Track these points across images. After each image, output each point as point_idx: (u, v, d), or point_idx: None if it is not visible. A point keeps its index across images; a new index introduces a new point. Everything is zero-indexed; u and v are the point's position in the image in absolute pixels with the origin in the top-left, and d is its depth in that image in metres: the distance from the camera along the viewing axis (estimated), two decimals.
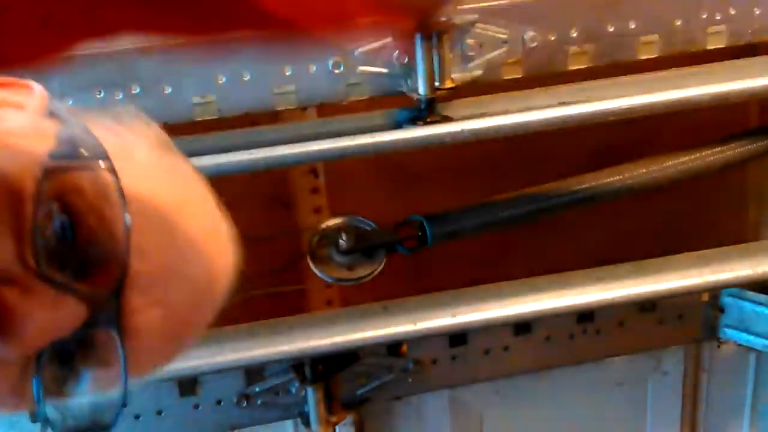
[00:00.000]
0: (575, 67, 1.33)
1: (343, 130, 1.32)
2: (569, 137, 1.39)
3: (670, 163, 1.45)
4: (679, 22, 1.34)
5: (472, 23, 1.28)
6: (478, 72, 1.30)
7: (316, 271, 1.34)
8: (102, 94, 1.20)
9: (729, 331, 1.55)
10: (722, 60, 1.41)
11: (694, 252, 1.45)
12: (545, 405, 1.64)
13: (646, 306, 1.51)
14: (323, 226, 1.36)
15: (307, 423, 1.41)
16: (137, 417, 1.37)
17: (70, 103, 1.20)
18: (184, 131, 1.27)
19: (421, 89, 1.26)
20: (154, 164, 0.55)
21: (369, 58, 1.27)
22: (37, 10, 0.58)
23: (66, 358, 0.48)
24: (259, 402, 1.41)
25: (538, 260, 1.81)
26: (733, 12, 1.36)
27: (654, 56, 1.35)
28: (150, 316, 0.49)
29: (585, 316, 1.49)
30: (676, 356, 1.65)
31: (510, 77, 1.32)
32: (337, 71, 1.26)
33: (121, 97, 1.21)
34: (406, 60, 1.26)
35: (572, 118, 1.31)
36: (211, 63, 1.22)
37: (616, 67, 1.35)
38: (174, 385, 1.37)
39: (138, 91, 1.21)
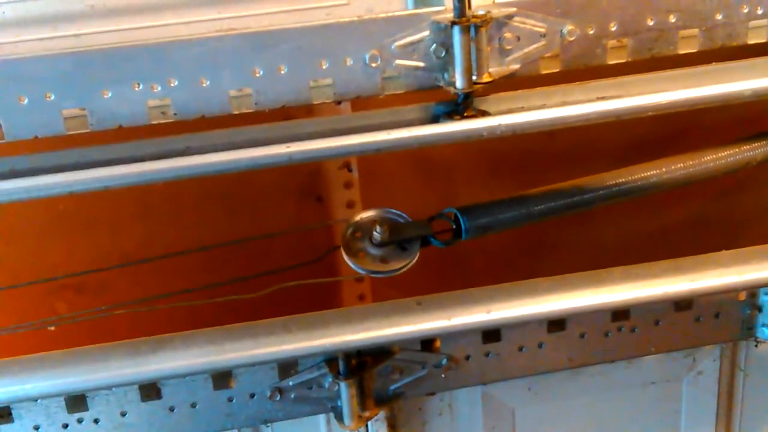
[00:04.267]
0: (614, 62, 1.32)
1: (379, 124, 1.32)
2: (605, 131, 1.38)
3: (709, 158, 1.43)
4: (719, 16, 1.32)
5: (510, 17, 1.27)
6: (516, 66, 1.29)
7: (349, 263, 1.33)
8: (141, 87, 1.21)
9: (766, 330, 1.53)
10: (763, 55, 1.39)
11: (731, 250, 1.43)
12: (578, 402, 1.63)
13: (683, 304, 1.49)
14: (357, 218, 1.36)
15: (339, 418, 1.41)
16: (172, 409, 1.37)
17: (109, 95, 1.21)
18: (221, 124, 1.28)
19: (459, 83, 1.25)
20: None
21: (406, 51, 1.26)
22: None
23: None
24: (292, 396, 1.41)
25: (572, 256, 1.80)
26: None
27: (694, 51, 1.33)
28: None
29: (620, 313, 1.47)
30: (711, 355, 1.63)
31: (548, 71, 1.31)
32: (374, 65, 1.26)
33: (159, 89, 1.21)
34: (444, 53, 1.25)
35: (610, 112, 1.29)
36: (249, 55, 1.22)
37: (655, 61, 1.34)
38: (208, 378, 1.37)
39: (176, 84, 1.21)
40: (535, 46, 1.29)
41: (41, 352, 1.31)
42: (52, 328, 1.43)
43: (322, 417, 1.51)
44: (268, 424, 1.49)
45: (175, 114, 1.23)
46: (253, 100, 1.25)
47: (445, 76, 1.28)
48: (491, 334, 1.44)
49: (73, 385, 1.29)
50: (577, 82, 1.35)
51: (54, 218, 1.62)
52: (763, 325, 1.53)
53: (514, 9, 1.27)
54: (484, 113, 1.31)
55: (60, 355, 1.31)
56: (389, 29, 1.25)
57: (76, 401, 1.35)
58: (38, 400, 1.33)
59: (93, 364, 1.29)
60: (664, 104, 1.30)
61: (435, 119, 1.32)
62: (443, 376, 1.45)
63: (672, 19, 1.31)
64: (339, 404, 1.40)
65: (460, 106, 1.30)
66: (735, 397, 1.69)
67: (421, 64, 1.27)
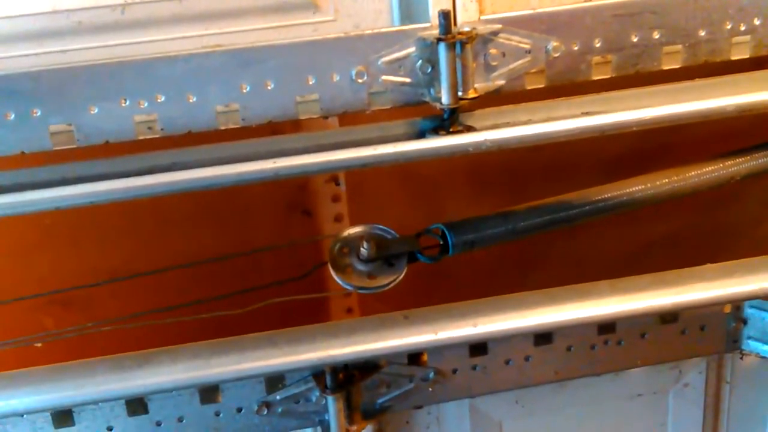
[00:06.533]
0: (598, 77, 1.33)
1: (366, 140, 1.32)
2: (590, 146, 1.39)
3: (693, 173, 1.45)
4: (703, 33, 1.34)
5: (496, 33, 1.28)
6: (501, 82, 1.30)
7: (337, 279, 1.34)
8: (127, 103, 1.21)
9: (752, 343, 1.54)
10: (746, 71, 1.41)
11: (716, 263, 1.44)
12: (565, 415, 1.63)
13: (668, 317, 1.50)
14: (345, 234, 1.36)
15: None
16: (158, 424, 1.37)
17: (96, 111, 1.21)
18: (208, 139, 1.28)
19: (445, 99, 1.26)
20: None
21: (392, 67, 1.27)
22: None
23: None
24: (279, 410, 1.41)
25: (558, 270, 1.81)
26: (757, 22, 1.35)
27: (678, 66, 1.35)
28: None
29: (606, 326, 1.48)
30: (697, 368, 1.64)
31: (533, 87, 1.32)
32: (360, 80, 1.27)
33: (146, 105, 1.21)
34: (430, 69, 1.26)
35: (595, 128, 1.31)
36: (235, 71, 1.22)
37: (640, 77, 1.35)
38: (195, 393, 1.37)
39: (163, 99, 1.22)
40: (520, 62, 1.30)
41: (27, 367, 1.30)
42: (39, 345, 1.43)
43: (309, 431, 1.51)
44: None
45: (161, 129, 1.24)
46: (240, 116, 1.25)
47: (431, 91, 1.29)
48: (478, 347, 1.45)
49: (59, 400, 1.28)
50: (562, 98, 1.36)
51: (41, 233, 1.62)
52: (749, 337, 1.54)
53: (500, 26, 1.28)
54: (470, 128, 1.32)
55: (46, 370, 1.31)
56: (375, 45, 1.26)
57: (63, 416, 1.35)
58: (24, 416, 1.33)
59: (79, 379, 1.28)
60: (648, 119, 1.31)
61: (421, 134, 1.33)
62: (430, 389, 1.45)
63: (656, 35, 1.32)
64: (326, 418, 1.41)
65: (447, 122, 1.31)
66: (721, 410, 1.70)
67: (408, 79, 1.28)
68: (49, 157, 1.24)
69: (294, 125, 1.38)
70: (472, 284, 1.74)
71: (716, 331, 1.54)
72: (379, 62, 1.26)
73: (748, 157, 1.45)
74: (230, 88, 1.24)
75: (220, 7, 1.26)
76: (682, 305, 1.40)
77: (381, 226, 1.36)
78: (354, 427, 1.42)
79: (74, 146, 1.22)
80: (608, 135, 1.31)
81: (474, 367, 1.46)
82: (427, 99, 1.29)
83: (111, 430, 1.37)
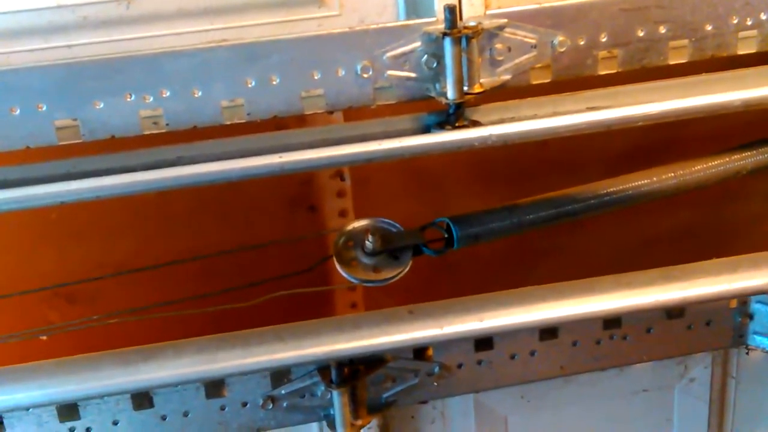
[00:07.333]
0: (604, 72, 1.33)
1: (371, 135, 1.32)
2: (596, 140, 1.39)
3: (699, 167, 1.44)
4: (709, 27, 1.33)
5: (501, 28, 1.28)
6: (507, 76, 1.30)
7: (341, 272, 1.34)
8: (133, 98, 1.21)
9: (758, 338, 1.54)
10: (752, 65, 1.40)
11: (722, 258, 1.44)
12: (570, 410, 1.63)
13: (674, 312, 1.49)
14: (349, 227, 1.36)
15: (332, 426, 1.41)
16: (164, 418, 1.38)
17: (101, 106, 1.21)
18: (214, 134, 1.28)
19: (450, 93, 1.26)
20: None
21: (397, 62, 1.27)
22: None
23: None
24: (284, 404, 1.41)
25: (563, 264, 1.80)
26: (763, 17, 1.35)
27: (684, 61, 1.34)
28: None
29: (612, 321, 1.47)
30: (703, 363, 1.64)
31: (538, 82, 1.32)
32: (365, 75, 1.26)
33: (151, 100, 1.21)
34: (435, 64, 1.26)
35: (601, 122, 1.30)
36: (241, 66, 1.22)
37: (646, 71, 1.34)
38: (200, 387, 1.37)
39: (168, 94, 1.22)
40: (526, 56, 1.30)
41: (32, 361, 1.31)
42: (44, 338, 1.43)
43: (314, 425, 1.52)
44: None
45: (167, 124, 1.24)
46: (245, 111, 1.25)
47: (437, 86, 1.28)
48: (483, 342, 1.44)
49: (64, 394, 1.29)
50: (568, 93, 1.36)
51: (46, 227, 1.62)
52: (754, 332, 1.54)
53: (505, 20, 1.27)
54: (475, 123, 1.32)
55: (52, 364, 1.31)
56: (381, 40, 1.26)
57: (68, 410, 1.35)
58: (30, 410, 1.33)
59: (85, 373, 1.29)
60: (655, 114, 1.31)
61: (426, 129, 1.33)
62: (435, 384, 1.45)
63: (662, 30, 1.32)
64: (331, 412, 1.41)
65: (452, 117, 1.31)
66: (726, 405, 1.70)
67: (413, 74, 1.28)
68: (54, 152, 1.24)
69: (299, 120, 1.37)
70: (477, 278, 1.74)
71: (722, 326, 1.54)
72: (385, 57, 1.26)
73: (755, 152, 1.45)
74: (235, 83, 1.24)
75: (225, 2, 1.26)
76: (688, 300, 1.40)
77: (386, 219, 1.36)
78: (359, 422, 1.42)
79: (79, 141, 1.23)
80: (614, 130, 1.31)
81: (479, 362, 1.46)
82: (433, 94, 1.29)
83: (116, 424, 1.37)
